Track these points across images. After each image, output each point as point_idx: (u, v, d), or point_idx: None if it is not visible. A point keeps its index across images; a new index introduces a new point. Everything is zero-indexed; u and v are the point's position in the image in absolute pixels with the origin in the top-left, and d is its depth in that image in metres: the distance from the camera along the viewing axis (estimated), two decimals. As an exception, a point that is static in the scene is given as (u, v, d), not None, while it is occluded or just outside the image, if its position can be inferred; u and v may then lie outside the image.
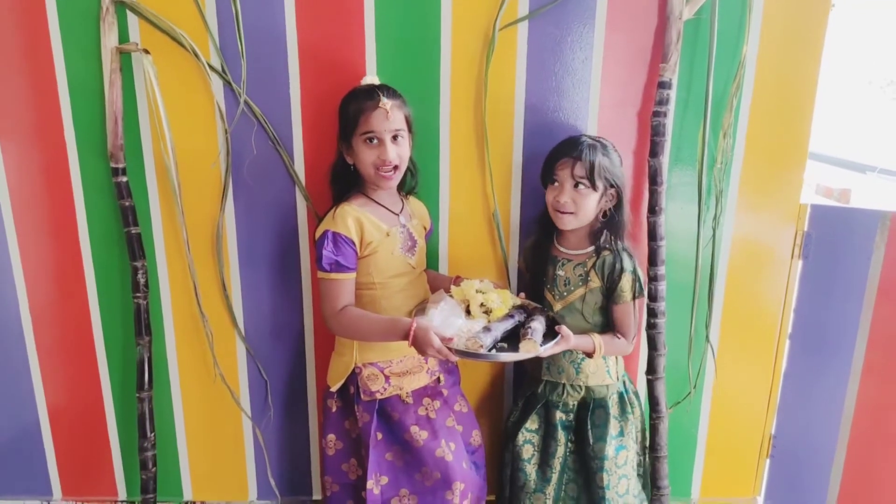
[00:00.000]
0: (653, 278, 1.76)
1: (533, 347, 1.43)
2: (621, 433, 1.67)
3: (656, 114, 1.69)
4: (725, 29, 1.68)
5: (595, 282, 1.62)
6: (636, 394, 1.75)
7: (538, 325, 1.50)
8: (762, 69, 1.72)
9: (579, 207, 1.57)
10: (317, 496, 2.00)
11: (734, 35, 1.69)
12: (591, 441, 1.64)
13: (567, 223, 1.60)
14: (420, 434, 1.59)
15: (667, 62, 1.66)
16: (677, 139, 1.75)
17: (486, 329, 1.45)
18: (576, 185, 1.56)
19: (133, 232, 1.71)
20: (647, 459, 1.80)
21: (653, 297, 1.77)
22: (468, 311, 1.50)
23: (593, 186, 1.56)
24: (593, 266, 1.61)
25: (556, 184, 1.59)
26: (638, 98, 1.73)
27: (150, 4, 1.61)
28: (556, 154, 1.60)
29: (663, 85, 1.67)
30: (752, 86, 1.73)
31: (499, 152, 1.75)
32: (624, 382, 1.72)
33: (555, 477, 1.67)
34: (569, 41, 1.69)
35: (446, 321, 1.43)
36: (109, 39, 1.60)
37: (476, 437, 1.75)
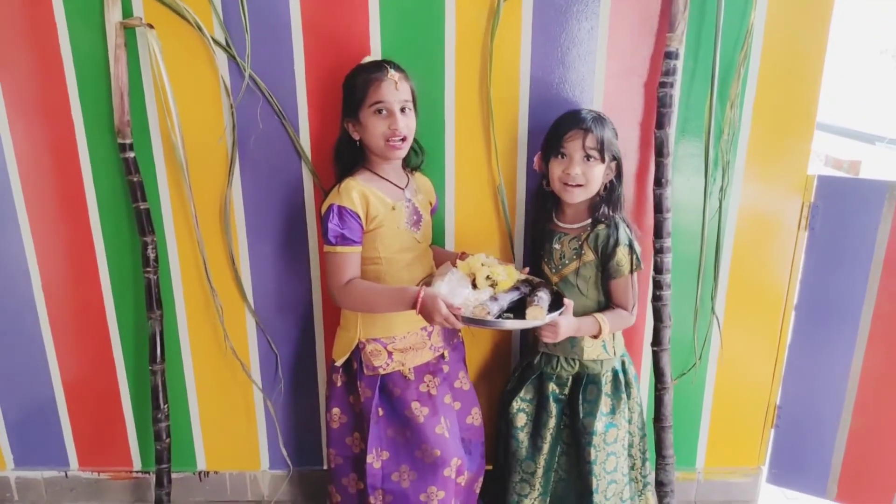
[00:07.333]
0: (658, 251, 1.76)
1: (539, 314, 1.44)
2: (612, 411, 1.68)
3: (663, 84, 1.67)
4: (733, -3, 1.66)
5: (588, 255, 1.62)
6: (635, 377, 1.75)
7: (544, 295, 1.52)
8: (770, 38, 1.70)
9: (589, 180, 1.56)
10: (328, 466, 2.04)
11: (741, 3, 1.67)
12: (581, 415, 1.66)
13: (576, 196, 1.59)
14: (421, 410, 1.61)
15: (674, 31, 1.64)
16: (684, 110, 1.74)
17: (493, 298, 1.46)
18: (587, 158, 1.56)
19: (142, 207, 1.72)
20: (644, 449, 1.78)
21: (658, 270, 1.78)
22: (474, 285, 1.51)
23: (602, 158, 1.56)
24: (586, 239, 1.62)
25: (565, 157, 1.57)
26: (644, 68, 1.72)
27: (154, -22, 1.60)
28: (562, 127, 1.58)
29: (670, 55, 1.66)
30: (760, 55, 1.71)
31: (504, 125, 1.74)
32: (623, 362, 1.72)
33: (546, 447, 1.69)
34: (574, 11, 1.67)
35: (453, 291, 1.45)
36: (113, 14, 1.59)
37: (476, 416, 1.77)
